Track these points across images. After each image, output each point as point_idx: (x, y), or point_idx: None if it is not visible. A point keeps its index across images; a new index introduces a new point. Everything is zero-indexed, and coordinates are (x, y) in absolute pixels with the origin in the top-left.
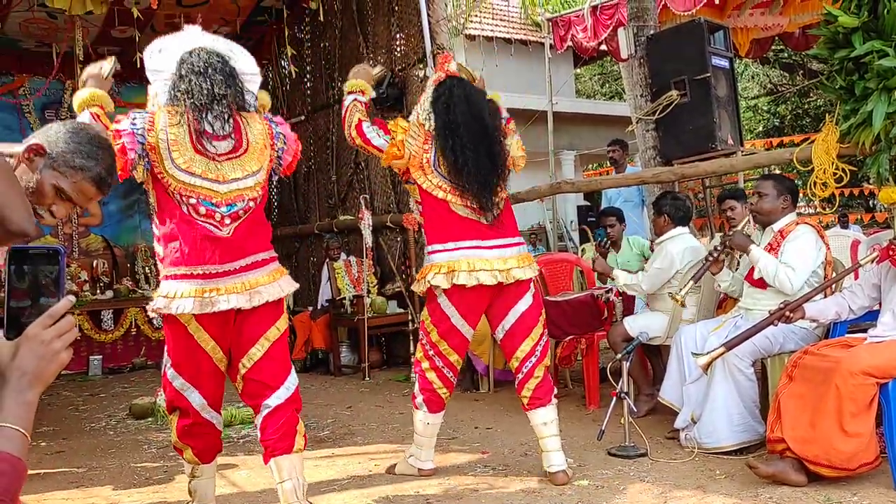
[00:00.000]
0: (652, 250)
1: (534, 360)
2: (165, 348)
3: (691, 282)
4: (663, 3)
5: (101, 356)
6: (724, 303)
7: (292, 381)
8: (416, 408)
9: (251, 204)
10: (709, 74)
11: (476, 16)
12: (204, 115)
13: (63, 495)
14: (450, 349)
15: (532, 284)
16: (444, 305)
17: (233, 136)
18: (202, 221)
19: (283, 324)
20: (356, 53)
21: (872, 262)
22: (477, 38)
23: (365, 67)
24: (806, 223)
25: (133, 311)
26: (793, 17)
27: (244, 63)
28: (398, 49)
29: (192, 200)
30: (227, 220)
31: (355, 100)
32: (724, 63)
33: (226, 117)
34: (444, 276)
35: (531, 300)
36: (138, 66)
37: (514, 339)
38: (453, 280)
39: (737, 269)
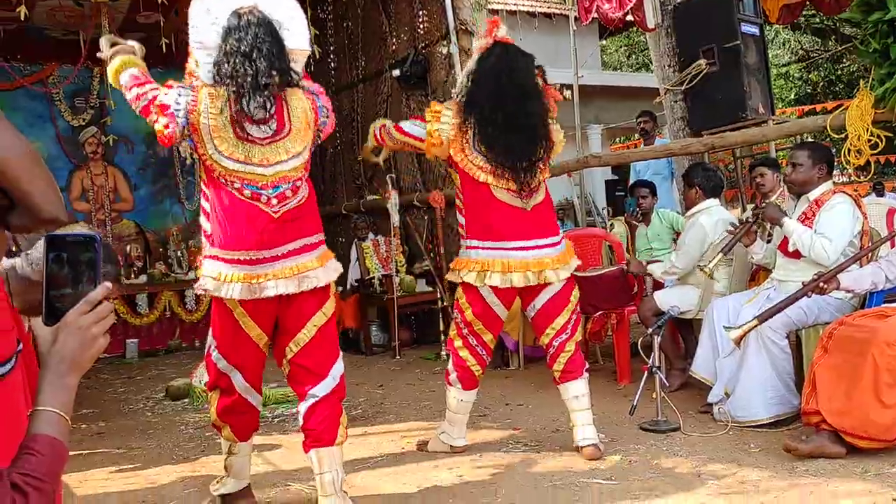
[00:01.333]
0: (683, 226)
1: (564, 336)
2: (210, 329)
3: (720, 254)
4: None
5: (136, 339)
6: (758, 274)
7: (338, 368)
8: (450, 384)
9: (298, 184)
10: (738, 42)
11: None
12: (246, 103)
13: (103, 475)
14: (483, 328)
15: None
16: (484, 291)
17: (275, 118)
18: (250, 202)
19: (329, 308)
20: (379, 32)
21: None
22: (500, 12)
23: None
24: (843, 192)
25: (167, 295)
26: None
27: (297, 37)
28: (421, 26)
29: (237, 185)
30: (275, 202)
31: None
32: (754, 30)
33: (269, 104)
34: (476, 275)
35: (563, 283)
36: (164, 51)
37: (545, 317)
38: (486, 281)
39: (769, 241)
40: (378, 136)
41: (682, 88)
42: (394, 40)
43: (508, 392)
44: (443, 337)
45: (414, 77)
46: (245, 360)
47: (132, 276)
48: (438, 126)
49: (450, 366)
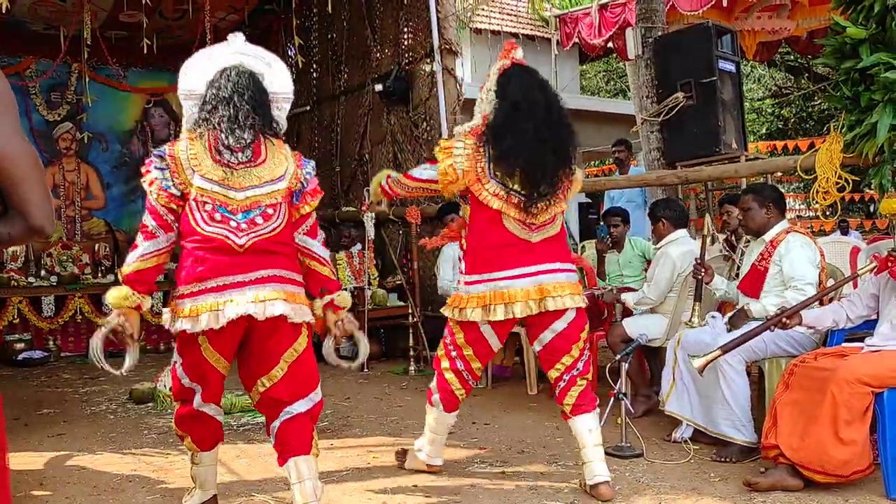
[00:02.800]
0: (654, 254)
1: (575, 372)
2: (176, 349)
3: (697, 303)
4: (671, 3)
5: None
6: (724, 307)
7: (317, 394)
8: (432, 405)
9: (270, 212)
10: (715, 78)
11: (483, 10)
12: (224, 137)
13: (64, 478)
14: (474, 356)
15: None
16: (485, 331)
17: (251, 148)
18: (218, 228)
19: (301, 344)
20: (363, 46)
21: (871, 272)
22: (484, 32)
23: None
24: (795, 231)
25: None
26: (800, 21)
27: (279, 83)
28: (405, 42)
29: (209, 207)
30: (244, 226)
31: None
32: (731, 67)
33: (247, 137)
34: (482, 311)
35: (572, 317)
36: (145, 51)
37: (552, 354)
38: (489, 317)
39: (731, 278)
40: (386, 189)
41: (659, 120)
42: (378, 55)
43: (475, 411)
44: (412, 352)
45: (396, 93)
46: (205, 380)
47: (99, 275)
48: (452, 161)
49: (433, 385)
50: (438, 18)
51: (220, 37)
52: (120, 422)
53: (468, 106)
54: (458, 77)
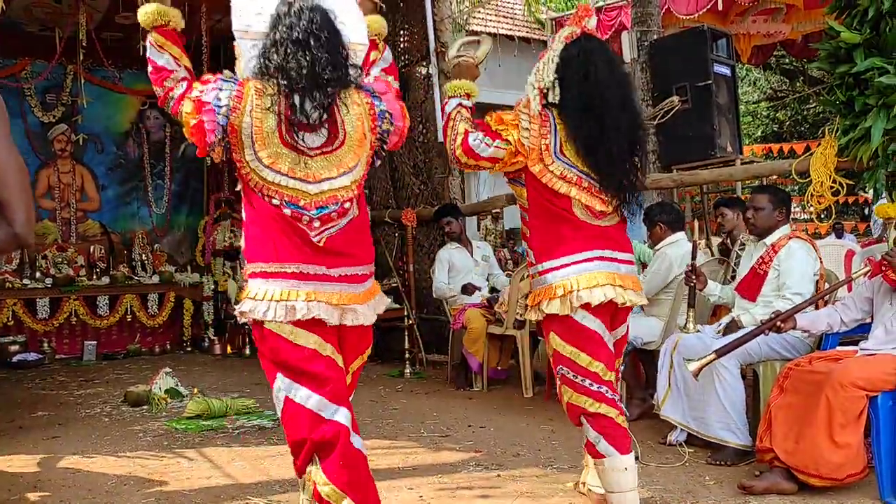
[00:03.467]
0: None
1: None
2: (279, 373)
3: (691, 309)
4: (667, 7)
5: (95, 341)
6: (719, 310)
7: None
8: (601, 456)
9: (346, 206)
10: (710, 82)
11: (480, 12)
12: (300, 103)
13: (59, 481)
14: (605, 368)
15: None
16: (583, 318)
17: (327, 126)
18: (289, 223)
19: (367, 352)
20: None
21: (865, 276)
22: (480, 34)
23: (467, 60)
24: (797, 237)
25: (129, 298)
26: (795, 25)
27: (355, 29)
28: (402, 45)
29: (276, 201)
30: (317, 224)
31: (460, 105)
32: (726, 71)
33: (325, 105)
34: (560, 302)
35: (627, 321)
36: (141, 53)
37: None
38: (572, 304)
39: (727, 282)
40: (448, 131)
41: (655, 123)
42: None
43: (471, 414)
44: (407, 354)
45: None
46: (337, 385)
47: (94, 276)
48: (519, 135)
49: (590, 436)
50: (435, 21)
51: (216, 38)
52: (115, 425)
53: None
54: None
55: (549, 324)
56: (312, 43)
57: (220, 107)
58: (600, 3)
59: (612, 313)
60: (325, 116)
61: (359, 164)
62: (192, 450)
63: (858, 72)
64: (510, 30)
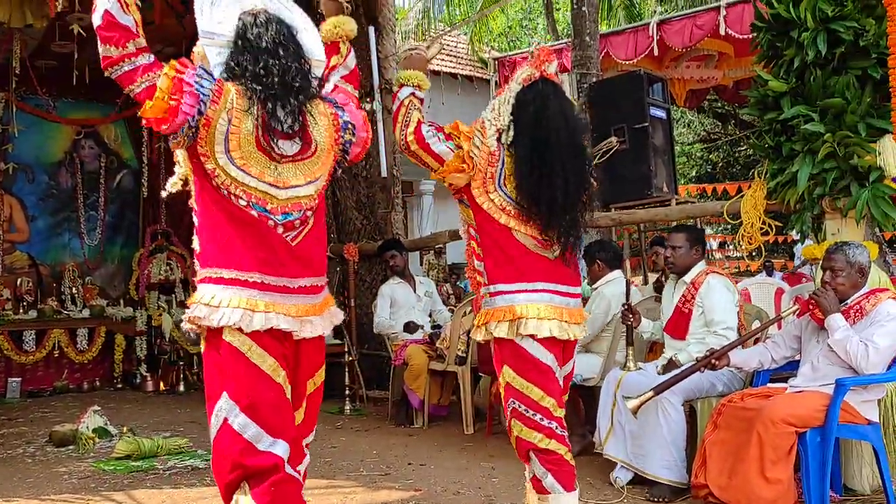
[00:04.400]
0: (588, 295)
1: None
2: (226, 392)
3: (630, 348)
4: (606, 51)
5: (20, 378)
6: (655, 347)
7: (310, 439)
8: (549, 492)
9: (308, 214)
10: (647, 124)
11: None
12: (275, 109)
13: None
14: (556, 404)
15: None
16: (533, 349)
17: (300, 135)
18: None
19: (321, 375)
20: None
21: (794, 314)
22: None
23: (419, 52)
24: (714, 272)
25: (57, 333)
26: (727, 71)
27: (313, 45)
28: None
29: (242, 202)
30: (280, 230)
31: (412, 94)
32: (662, 114)
33: (297, 113)
34: (507, 326)
35: (574, 362)
36: (75, 82)
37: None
38: (519, 330)
39: (658, 318)
40: (398, 118)
41: (594, 163)
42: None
43: (411, 451)
44: (348, 391)
45: None
46: (280, 415)
47: (21, 310)
48: (471, 147)
49: (538, 472)
50: (379, 58)
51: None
52: (38, 466)
53: None
54: None
55: (501, 355)
56: (282, 52)
57: (203, 93)
58: (543, 45)
59: (562, 346)
60: (297, 124)
61: (322, 175)
62: (121, 492)
63: (785, 119)
64: (454, 68)
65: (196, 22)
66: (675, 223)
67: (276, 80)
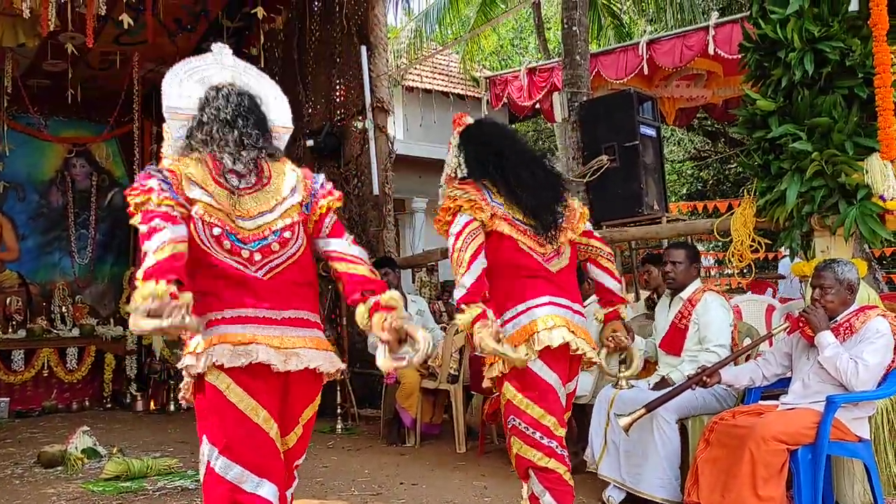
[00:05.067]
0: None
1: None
2: (205, 435)
3: (622, 365)
4: (596, 70)
5: (8, 398)
6: (647, 365)
7: (300, 461)
8: None
9: (287, 235)
10: (637, 142)
11: (416, 69)
12: (228, 160)
13: None
14: (557, 423)
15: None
16: (537, 367)
17: (254, 171)
18: (229, 259)
19: (317, 403)
20: (295, 101)
21: (784, 331)
22: (416, 90)
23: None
24: (711, 290)
25: (46, 352)
26: (716, 90)
27: (278, 112)
28: (338, 99)
29: (217, 231)
30: (258, 257)
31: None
32: (652, 132)
33: (251, 164)
34: (525, 347)
35: (577, 382)
36: (69, 101)
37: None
38: (534, 347)
39: (650, 335)
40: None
41: (585, 181)
42: (310, 110)
43: (403, 470)
44: (339, 410)
45: (328, 148)
46: (264, 457)
47: (10, 330)
48: (457, 196)
49: (536, 489)
50: (371, 77)
51: (145, 87)
52: (26, 487)
53: (399, 163)
54: (389, 134)
55: (504, 373)
56: (240, 123)
57: (172, 194)
58: (532, 65)
59: (569, 362)
60: (250, 167)
61: (287, 201)
62: None
63: (773, 137)
64: (446, 86)
65: (163, 90)
66: (666, 240)
67: (231, 143)
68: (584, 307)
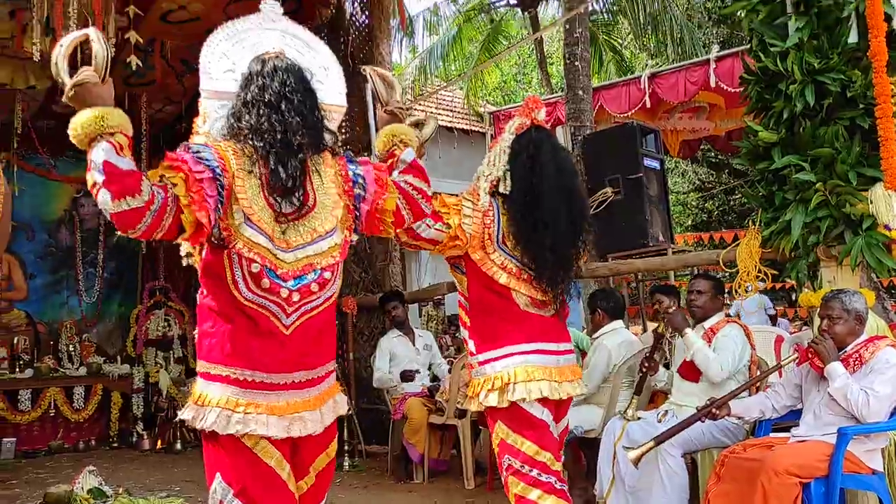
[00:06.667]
0: (588, 345)
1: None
2: (219, 473)
3: (635, 397)
4: (599, 104)
5: (14, 438)
6: (656, 397)
7: None
8: None
9: (327, 276)
10: (641, 175)
11: (421, 104)
12: (277, 167)
13: None
14: (553, 458)
15: None
16: (526, 405)
17: (298, 192)
18: (265, 298)
19: (333, 448)
20: None
21: (794, 362)
22: (420, 125)
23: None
24: (735, 322)
25: (53, 391)
26: (718, 122)
27: (331, 91)
28: (343, 136)
29: (255, 268)
30: (296, 298)
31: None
32: (656, 164)
33: (298, 173)
34: (497, 394)
35: (567, 420)
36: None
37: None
38: (507, 397)
39: (668, 365)
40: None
41: (590, 213)
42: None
43: None
44: (346, 446)
45: None
46: (278, 499)
47: (17, 369)
48: (461, 220)
49: None
50: (376, 114)
51: (156, 128)
52: None
53: None
54: None
55: (493, 413)
56: (284, 106)
57: (214, 167)
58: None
59: (556, 403)
60: (298, 182)
61: (336, 230)
62: None
63: (777, 168)
64: (450, 122)
65: (200, 79)
66: (672, 272)
67: (277, 136)
68: (594, 338)
